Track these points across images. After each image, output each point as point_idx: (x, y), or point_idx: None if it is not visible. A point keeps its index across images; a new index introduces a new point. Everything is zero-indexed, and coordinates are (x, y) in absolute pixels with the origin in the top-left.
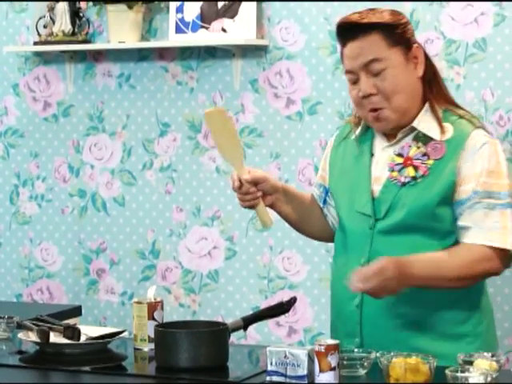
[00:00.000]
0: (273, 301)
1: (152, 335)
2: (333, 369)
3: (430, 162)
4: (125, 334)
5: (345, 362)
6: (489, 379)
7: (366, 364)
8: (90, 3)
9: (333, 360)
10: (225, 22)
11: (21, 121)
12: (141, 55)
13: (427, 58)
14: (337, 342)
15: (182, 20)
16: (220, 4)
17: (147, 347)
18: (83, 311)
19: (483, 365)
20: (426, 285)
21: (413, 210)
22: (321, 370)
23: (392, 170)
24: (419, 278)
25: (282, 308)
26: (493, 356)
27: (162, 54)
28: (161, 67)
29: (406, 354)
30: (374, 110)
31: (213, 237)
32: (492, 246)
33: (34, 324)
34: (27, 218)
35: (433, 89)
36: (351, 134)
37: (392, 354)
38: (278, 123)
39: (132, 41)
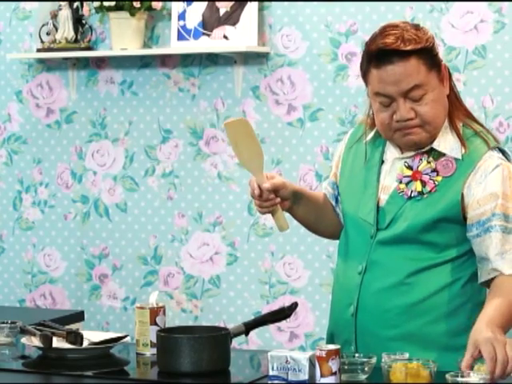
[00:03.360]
0: (274, 306)
1: (154, 340)
2: (334, 374)
3: (439, 178)
4: (127, 339)
5: (346, 367)
6: None
7: (366, 369)
8: (93, 10)
9: (334, 365)
10: (226, 29)
11: (24, 127)
12: (143, 62)
13: (449, 72)
14: (338, 347)
15: (183, 27)
16: (222, 11)
17: (149, 352)
18: (86, 316)
19: (483, 370)
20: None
21: (414, 224)
22: (322, 375)
23: (400, 182)
24: (505, 329)
25: (284, 313)
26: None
27: (164, 60)
28: (163, 74)
29: (407, 359)
30: (409, 130)
31: (214, 242)
32: None
33: (36, 329)
34: (30, 224)
35: (452, 102)
36: (363, 137)
37: (392, 358)
38: (279, 130)
39: (134, 48)
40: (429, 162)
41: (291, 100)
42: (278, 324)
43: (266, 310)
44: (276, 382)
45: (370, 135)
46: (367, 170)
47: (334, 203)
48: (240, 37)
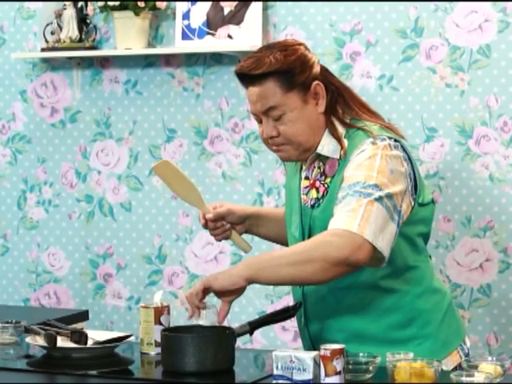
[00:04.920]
0: (278, 305)
1: (158, 339)
2: (338, 373)
3: (328, 180)
4: (131, 338)
5: (350, 367)
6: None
7: (371, 368)
8: (97, 10)
9: (338, 364)
10: (231, 28)
11: (28, 127)
12: (147, 61)
13: (331, 83)
14: (342, 347)
15: (188, 26)
16: (226, 11)
17: (154, 351)
18: (90, 316)
19: (488, 369)
20: (264, 276)
21: (321, 231)
22: (326, 375)
23: (303, 193)
24: (248, 267)
25: (288, 313)
26: (497, 360)
27: (169, 60)
28: (167, 73)
29: (412, 358)
30: (277, 147)
31: (219, 242)
32: (337, 228)
33: (41, 328)
34: (34, 223)
35: (337, 109)
36: None
37: (397, 357)
38: None
39: (138, 47)
40: (319, 168)
41: None
42: (282, 323)
43: (270, 309)
44: (280, 381)
45: None
46: (293, 185)
47: None
48: (244, 36)
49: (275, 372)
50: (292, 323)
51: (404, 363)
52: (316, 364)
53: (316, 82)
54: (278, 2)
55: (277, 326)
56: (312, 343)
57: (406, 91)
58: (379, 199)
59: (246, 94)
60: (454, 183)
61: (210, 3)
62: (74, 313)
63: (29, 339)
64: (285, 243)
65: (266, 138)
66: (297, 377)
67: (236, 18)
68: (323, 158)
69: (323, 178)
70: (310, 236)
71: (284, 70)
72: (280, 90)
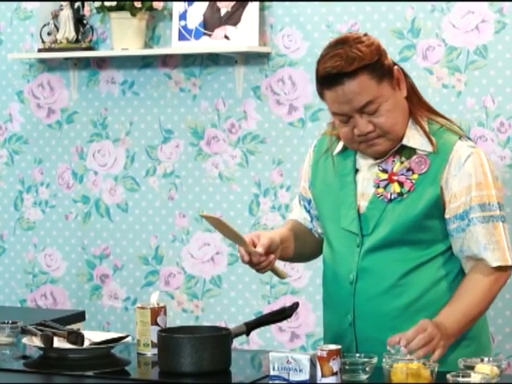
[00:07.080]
0: (275, 306)
1: (155, 340)
2: (335, 374)
3: (415, 176)
4: (128, 339)
5: (347, 367)
6: None
7: (367, 369)
8: (94, 11)
9: (335, 365)
10: (227, 29)
11: (25, 127)
12: (144, 62)
13: (404, 73)
14: (339, 347)
15: (184, 27)
16: (223, 11)
17: (150, 352)
18: (87, 316)
19: (484, 369)
20: (463, 331)
21: (398, 225)
22: (323, 375)
23: (378, 187)
24: (455, 335)
25: (285, 313)
26: (494, 361)
27: (165, 61)
28: (164, 74)
29: (408, 359)
30: (370, 142)
31: (215, 242)
32: (496, 265)
33: (37, 329)
34: (31, 224)
35: (413, 101)
36: (333, 148)
37: (393, 358)
38: (280, 130)
39: (135, 48)
40: (402, 162)
41: (292, 100)
42: (279, 324)
43: (267, 310)
44: (277, 382)
45: (340, 146)
46: (340, 180)
47: (311, 226)
48: (241, 37)
49: (272, 373)
50: (289, 324)
51: (400, 364)
52: (312, 365)
53: (396, 67)
54: (274, 3)
55: (273, 327)
56: (356, 343)
57: None
58: (504, 219)
59: (329, 96)
60: None
61: (206, 4)
62: (71, 313)
63: (25, 340)
64: (302, 258)
65: (360, 135)
66: (293, 377)
67: (233, 18)
68: (405, 153)
69: (410, 173)
70: (373, 231)
71: (373, 61)
72: (374, 81)
